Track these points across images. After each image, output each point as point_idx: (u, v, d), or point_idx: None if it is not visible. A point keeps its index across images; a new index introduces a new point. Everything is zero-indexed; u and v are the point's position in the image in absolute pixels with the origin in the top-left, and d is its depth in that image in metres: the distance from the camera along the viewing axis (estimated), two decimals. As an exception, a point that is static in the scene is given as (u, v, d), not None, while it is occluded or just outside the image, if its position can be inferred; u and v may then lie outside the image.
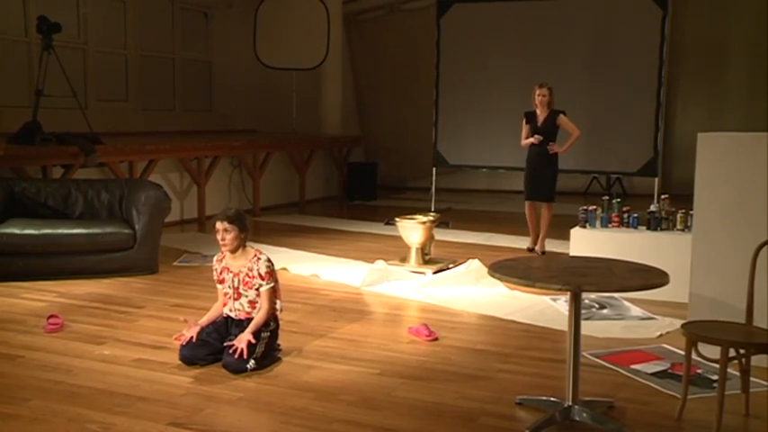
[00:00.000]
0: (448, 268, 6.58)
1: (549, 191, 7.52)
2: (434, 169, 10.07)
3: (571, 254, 5.91)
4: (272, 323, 4.28)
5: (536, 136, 7.30)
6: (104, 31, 10.05)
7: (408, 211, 7.20)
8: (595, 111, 9.17)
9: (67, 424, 3.45)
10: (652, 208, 5.99)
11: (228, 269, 4.34)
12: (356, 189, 11.97)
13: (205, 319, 4.37)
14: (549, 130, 7.37)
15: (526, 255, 7.21)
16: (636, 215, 6.07)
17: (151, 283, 6.17)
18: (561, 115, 7.37)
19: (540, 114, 7.40)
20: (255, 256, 4.30)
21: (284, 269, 6.55)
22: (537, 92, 7.37)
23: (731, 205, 4.23)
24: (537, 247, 7.56)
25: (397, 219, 6.93)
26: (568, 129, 7.39)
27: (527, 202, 7.65)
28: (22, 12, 8.98)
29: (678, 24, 11.52)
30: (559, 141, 7.42)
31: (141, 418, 3.50)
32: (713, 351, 3.33)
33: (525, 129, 7.46)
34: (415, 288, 6.01)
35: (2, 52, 8.84)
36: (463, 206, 11.03)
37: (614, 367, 4.23)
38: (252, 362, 4.08)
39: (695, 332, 3.41)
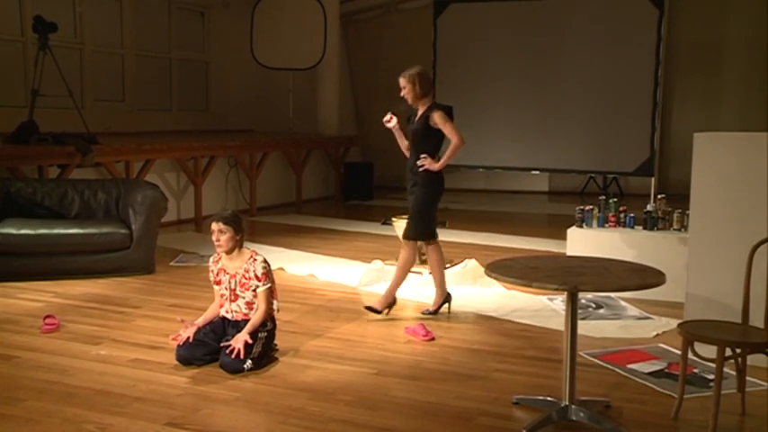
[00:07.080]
0: (445, 268, 6.56)
1: (416, 224, 5.24)
2: (431, 169, 10.05)
3: (568, 254, 5.91)
4: (268, 323, 4.28)
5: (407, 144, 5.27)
6: (101, 30, 10.03)
7: (405, 211, 7.13)
8: (592, 110, 9.19)
9: (64, 424, 3.44)
10: (648, 208, 5.99)
11: (225, 270, 4.33)
12: (353, 189, 11.96)
13: (202, 320, 4.37)
14: (420, 135, 5.15)
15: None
16: (632, 215, 6.07)
17: (148, 284, 6.16)
18: (437, 112, 5.10)
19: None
20: (251, 257, 4.30)
21: (281, 269, 6.55)
22: None
23: (727, 205, 4.24)
24: (430, 308, 5.31)
25: (393, 218, 6.93)
26: (446, 132, 5.10)
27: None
28: (18, 11, 8.95)
29: (675, 24, 11.50)
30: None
31: (138, 419, 3.49)
32: (709, 350, 3.33)
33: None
34: (412, 288, 6.00)
35: (-2, 52, 8.84)
36: (460, 206, 11.01)
37: (611, 367, 4.23)
38: (249, 362, 4.08)
39: (691, 332, 3.42)
